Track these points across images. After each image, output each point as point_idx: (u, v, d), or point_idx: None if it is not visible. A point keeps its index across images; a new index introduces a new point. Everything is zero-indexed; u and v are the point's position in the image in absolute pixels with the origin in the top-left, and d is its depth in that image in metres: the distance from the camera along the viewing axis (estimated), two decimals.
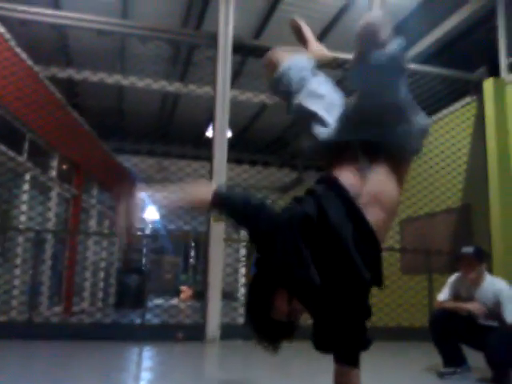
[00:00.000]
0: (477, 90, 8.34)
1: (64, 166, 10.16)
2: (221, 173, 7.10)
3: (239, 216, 2.21)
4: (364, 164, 2.18)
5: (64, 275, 10.25)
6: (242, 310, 8.42)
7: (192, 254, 24.92)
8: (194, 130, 13.30)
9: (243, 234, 11.32)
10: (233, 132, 9.21)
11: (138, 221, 2.18)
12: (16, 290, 7.66)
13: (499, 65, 8.21)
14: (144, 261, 16.23)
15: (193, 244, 24.37)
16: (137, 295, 11.86)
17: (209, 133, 8.13)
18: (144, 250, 15.52)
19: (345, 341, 2.11)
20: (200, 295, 9.16)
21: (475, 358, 4.43)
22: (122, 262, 14.28)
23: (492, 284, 4.37)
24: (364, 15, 2.05)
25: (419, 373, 4.72)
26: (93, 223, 12.13)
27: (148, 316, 7.27)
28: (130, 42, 9.64)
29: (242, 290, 14.24)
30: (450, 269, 4.84)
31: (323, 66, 2.72)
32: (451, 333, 4.43)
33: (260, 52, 7.98)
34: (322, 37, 9.99)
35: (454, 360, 4.45)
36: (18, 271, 7.80)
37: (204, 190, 2.19)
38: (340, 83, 2.60)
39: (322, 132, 2.27)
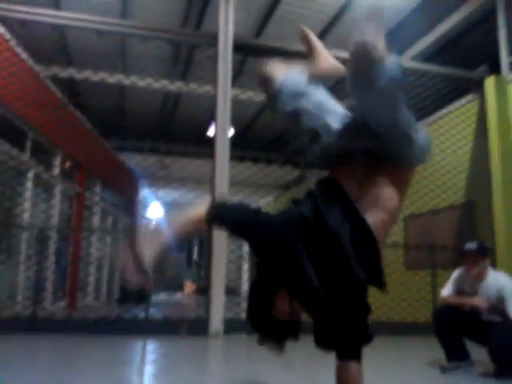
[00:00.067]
0: (478, 88, 8.35)
1: (67, 164, 10.19)
2: (223, 171, 7.11)
3: (236, 226, 2.22)
4: (364, 169, 2.18)
5: (68, 271, 10.31)
6: (244, 305, 8.43)
7: (195, 249, 24.95)
8: (196, 129, 13.32)
9: None
10: (235, 130, 9.22)
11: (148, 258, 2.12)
12: (20, 286, 7.70)
13: (500, 63, 8.21)
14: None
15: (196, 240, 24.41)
16: (140, 290, 11.87)
17: (211, 131, 8.13)
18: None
19: (346, 336, 2.12)
20: (203, 290, 9.17)
21: (478, 353, 4.43)
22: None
23: (495, 279, 4.37)
24: (355, 33, 2.02)
25: (422, 367, 4.72)
26: (96, 220, 12.16)
27: (152, 311, 7.28)
28: (130, 42, 9.66)
29: (245, 286, 14.25)
30: (454, 264, 4.84)
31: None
32: (454, 328, 4.43)
33: (261, 51, 8.01)
34: (321, 36, 10.00)
35: (457, 354, 4.45)
36: (22, 267, 7.84)
37: (198, 210, 2.18)
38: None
39: (324, 141, 2.25)
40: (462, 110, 8.60)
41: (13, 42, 7.53)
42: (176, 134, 14.49)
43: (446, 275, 4.89)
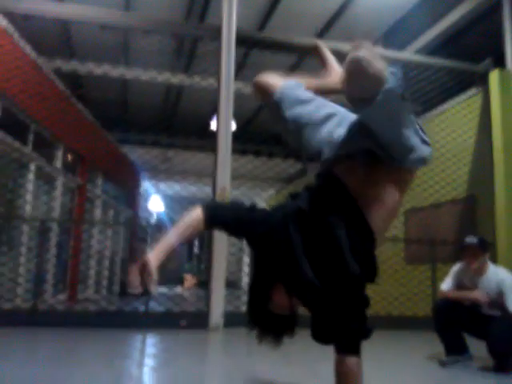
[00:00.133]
0: (482, 81, 8.30)
1: (69, 157, 10.20)
2: (225, 164, 7.10)
3: (233, 225, 2.22)
4: (364, 167, 2.17)
5: (69, 263, 10.33)
6: (245, 299, 8.44)
7: (196, 242, 24.96)
8: (198, 122, 13.33)
9: None
10: (237, 123, 9.21)
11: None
12: (21, 278, 7.73)
13: (505, 56, 8.17)
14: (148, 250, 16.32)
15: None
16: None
17: (213, 124, 8.12)
18: (148, 240, 15.58)
19: (344, 331, 2.12)
20: (204, 284, 9.19)
21: (477, 347, 4.42)
22: (127, 252, 14.34)
23: (495, 274, 4.36)
24: (351, 52, 2.00)
25: (421, 361, 4.72)
26: (98, 213, 12.20)
27: (152, 304, 7.30)
28: (133, 35, 9.66)
29: (246, 279, 14.28)
30: (454, 258, 4.83)
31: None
32: (454, 322, 4.43)
33: (264, 44, 7.99)
34: (325, 29, 9.98)
35: (456, 349, 4.44)
36: (22, 259, 7.87)
37: (193, 214, 2.20)
38: None
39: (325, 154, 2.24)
40: (465, 104, 8.55)
41: (16, 36, 7.53)
42: (178, 127, 14.50)
43: (446, 269, 4.88)
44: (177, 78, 10.10)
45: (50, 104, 8.32)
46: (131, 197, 15.03)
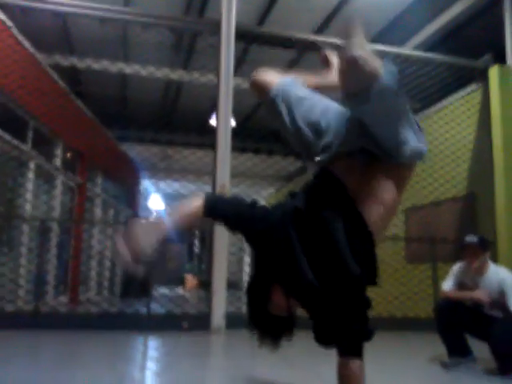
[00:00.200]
0: (482, 77, 8.26)
1: (68, 155, 10.15)
2: (225, 161, 7.07)
3: (232, 219, 2.21)
4: (362, 164, 2.16)
5: (70, 264, 10.27)
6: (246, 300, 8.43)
7: (196, 242, 24.91)
8: (198, 118, 13.27)
9: None
10: (237, 120, 9.18)
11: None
12: (22, 280, 7.69)
13: (505, 52, 8.14)
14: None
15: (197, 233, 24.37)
16: (142, 284, 11.89)
17: (212, 121, 8.09)
18: None
19: (346, 333, 2.11)
20: (205, 284, 9.16)
21: (480, 349, 4.42)
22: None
23: (496, 273, 4.36)
24: (345, 47, 1.98)
25: (424, 363, 4.72)
26: (98, 212, 12.15)
27: (153, 306, 7.28)
28: (132, 30, 9.58)
29: (247, 279, 14.28)
30: (455, 257, 4.83)
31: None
32: (456, 323, 4.42)
33: (263, 39, 7.95)
34: (325, 24, 9.92)
35: (458, 350, 4.44)
36: (23, 260, 7.83)
37: (194, 202, 2.19)
38: None
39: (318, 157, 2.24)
40: (465, 100, 8.53)
41: (14, 30, 7.47)
42: (178, 123, 14.44)
43: (446, 268, 4.88)
44: (176, 74, 10.05)
45: (48, 100, 8.27)
46: (131, 195, 14.98)
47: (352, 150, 2.16)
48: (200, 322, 6.68)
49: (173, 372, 4.22)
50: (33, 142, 8.47)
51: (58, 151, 9.61)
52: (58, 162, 9.60)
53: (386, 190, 2.13)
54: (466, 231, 6.58)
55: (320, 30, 10.05)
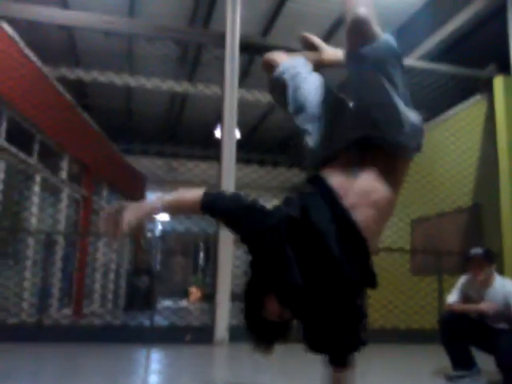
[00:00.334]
0: (487, 87, 8.25)
1: (74, 168, 10.18)
2: (229, 173, 7.09)
3: (230, 218, 2.21)
4: (354, 164, 2.15)
5: (74, 277, 10.27)
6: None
7: (201, 255, 24.83)
8: (203, 130, 13.31)
9: None
10: (241, 132, 9.21)
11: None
12: (26, 292, 7.69)
13: (509, 62, 8.13)
14: (154, 262, 16.32)
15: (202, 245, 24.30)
16: (146, 297, 11.91)
17: (217, 133, 8.13)
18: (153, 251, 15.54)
19: (338, 344, 2.11)
20: (209, 297, 9.14)
21: (485, 361, 4.38)
22: (133, 263, 14.31)
23: (502, 286, 4.33)
24: (349, 11, 2.01)
25: (428, 376, 4.68)
26: None
27: (157, 318, 7.27)
28: (137, 43, 9.66)
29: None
30: (461, 270, 4.81)
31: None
32: (461, 335, 4.39)
33: (268, 51, 7.97)
34: (329, 34, 9.95)
35: (463, 363, 4.41)
36: (28, 273, 7.84)
37: (194, 193, 2.21)
38: None
39: (309, 141, 2.25)
40: (470, 110, 8.52)
41: (22, 44, 7.53)
42: (183, 135, 14.48)
43: (452, 281, 4.85)
44: (181, 86, 10.10)
45: (55, 113, 8.30)
46: None
47: (344, 143, 2.15)
48: (203, 335, 6.67)
49: None
50: (39, 155, 8.50)
51: (64, 164, 9.64)
52: (63, 174, 9.63)
53: (380, 192, 2.09)
54: (471, 243, 6.56)
55: (325, 39, 10.06)
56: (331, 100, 2.27)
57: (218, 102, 7.61)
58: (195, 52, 10.55)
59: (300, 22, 9.54)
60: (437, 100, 8.61)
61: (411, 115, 2.08)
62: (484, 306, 4.29)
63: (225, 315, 6.69)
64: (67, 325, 7.48)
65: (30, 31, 7.52)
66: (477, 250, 4.46)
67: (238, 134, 7.65)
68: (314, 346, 2.17)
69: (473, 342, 4.41)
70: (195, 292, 20.25)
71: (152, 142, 14.00)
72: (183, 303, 17.04)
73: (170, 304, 9.17)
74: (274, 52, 2.55)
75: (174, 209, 2.27)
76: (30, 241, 7.94)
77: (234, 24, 7.47)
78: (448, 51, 9.18)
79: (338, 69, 2.67)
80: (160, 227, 18.84)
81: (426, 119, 9.11)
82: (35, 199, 8.32)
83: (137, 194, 14.49)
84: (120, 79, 9.49)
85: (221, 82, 7.51)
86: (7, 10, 6.89)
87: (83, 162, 10.41)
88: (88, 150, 10.15)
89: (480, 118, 8.28)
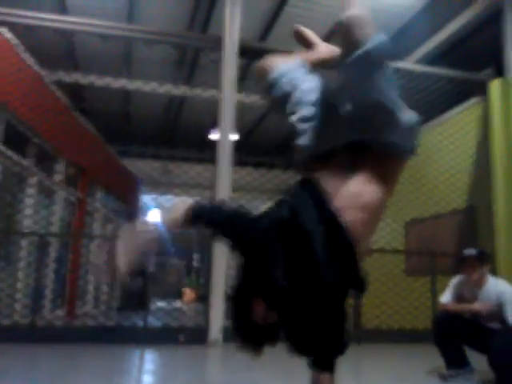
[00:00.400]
0: (483, 90, 8.28)
1: (70, 170, 10.19)
2: (225, 176, 7.10)
3: (219, 227, 2.20)
4: (345, 167, 2.14)
5: (67, 278, 10.26)
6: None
7: (195, 256, 24.78)
8: (200, 133, 13.32)
9: None
10: (238, 134, 9.21)
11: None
12: (19, 294, 7.70)
13: (505, 65, 8.16)
14: (147, 264, 16.26)
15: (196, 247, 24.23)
16: (140, 298, 11.88)
17: (214, 136, 8.15)
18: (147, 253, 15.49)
19: (320, 346, 2.10)
20: (203, 298, 9.13)
21: (478, 360, 4.39)
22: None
23: (495, 286, 4.35)
24: (342, 13, 2.02)
25: (422, 375, 4.69)
26: (97, 226, 12.14)
27: (150, 319, 7.27)
28: (135, 46, 9.70)
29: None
30: (455, 271, 4.82)
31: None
32: (454, 335, 4.41)
33: (266, 55, 7.99)
34: (327, 39, 9.98)
35: (456, 362, 4.42)
36: (21, 274, 7.85)
37: (181, 207, 2.18)
38: None
39: (302, 140, 2.24)
40: (466, 114, 8.54)
41: (20, 48, 7.55)
42: (180, 138, 14.50)
43: (446, 281, 4.86)
44: (179, 90, 10.12)
45: (51, 116, 8.32)
46: (131, 210, 14.98)
47: (339, 144, 2.14)
48: (197, 336, 6.68)
49: None
50: (35, 158, 8.51)
51: (60, 167, 9.64)
52: (59, 177, 9.64)
53: (369, 194, 2.08)
54: (465, 244, 6.56)
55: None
56: (326, 101, 2.27)
57: (216, 105, 7.62)
58: (193, 55, 10.58)
59: None
60: (433, 103, 8.65)
61: (406, 115, 2.07)
62: (477, 306, 4.31)
63: (219, 316, 6.69)
64: (60, 326, 7.49)
65: (29, 36, 7.55)
66: (470, 251, 4.49)
67: (235, 137, 7.68)
68: (299, 348, 2.16)
69: (466, 341, 4.43)
70: (189, 293, 20.21)
71: (149, 144, 14.02)
72: (177, 304, 17.01)
73: (164, 305, 9.13)
74: (267, 58, 2.51)
75: (169, 229, 2.24)
76: (23, 242, 7.94)
77: (232, 28, 7.51)
78: (445, 55, 9.22)
79: (333, 68, 2.66)
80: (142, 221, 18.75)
81: (423, 122, 9.13)
82: (29, 201, 8.32)
83: (130, 196, 14.55)
84: (118, 83, 9.50)
85: (218, 86, 7.54)
86: (6, 14, 6.93)
87: (79, 165, 10.42)
88: (84, 154, 10.17)
89: (476, 121, 8.31)
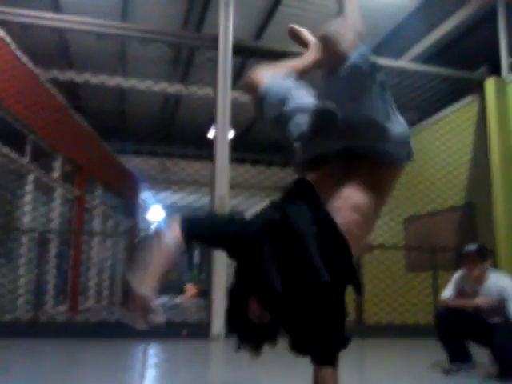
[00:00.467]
0: (478, 89, 8.32)
1: (67, 167, 10.18)
2: (223, 173, 7.11)
3: (211, 239, 2.17)
4: (338, 174, 2.16)
5: (69, 274, 10.29)
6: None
7: (196, 252, 24.75)
8: (196, 131, 13.32)
9: None
10: (235, 132, 9.21)
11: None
12: (21, 290, 7.69)
13: (500, 64, 8.21)
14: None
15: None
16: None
17: (211, 134, 8.15)
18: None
19: (322, 343, 2.08)
20: (205, 293, 9.12)
21: (481, 355, 4.42)
22: (128, 261, 14.27)
23: (496, 281, 4.36)
24: (323, 26, 2.02)
25: (425, 370, 4.70)
26: (97, 223, 12.15)
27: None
28: (130, 45, 9.67)
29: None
30: (455, 266, 4.84)
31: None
32: (456, 330, 4.42)
33: (261, 53, 8.02)
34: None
35: (459, 357, 4.44)
36: (22, 271, 7.84)
37: (171, 234, 2.08)
38: None
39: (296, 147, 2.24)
40: (461, 112, 8.58)
41: (13, 46, 7.51)
42: (176, 136, 14.49)
43: (447, 276, 4.88)
44: (174, 88, 10.12)
45: (47, 114, 8.29)
46: (130, 206, 14.99)
47: (329, 152, 2.17)
48: (199, 331, 6.69)
49: (172, 380, 4.20)
50: (31, 156, 8.48)
51: (57, 164, 9.63)
52: (56, 174, 9.63)
53: (364, 198, 2.10)
54: (465, 240, 6.59)
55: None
56: (318, 109, 2.27)
57: (211, 103, 7.62)
58: (188, 54, 10.57)
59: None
60: (429, 101, 8.68)
61: (396, 127, 2.09)
62: (479, 301, 4.32)
63: (221, 311, 6.68)
64: (63, 321, 7.47)
65: (23, 34, 7.50)
66: (470, 247, 4.50)
67: (232, 134, 7.67)
68: (298, 346, 2.16)
69: (468, 336, 4.45)
70: (191, 288, 20.19)
71: (145, 141, 13.99)
72: (179, 300, 16.98)
73: (166, 300, 9.08)
74: (254, 71, 2.45)
75: (169, 262, 2.15)
76: (24, 239, 7.92)
77: (227, 27, 7.51)
78: (440, 54, 9.26)
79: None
80: (154, 226, 18.79)
81: (419, 120, 9.18)
82: (28, 198, 8.30)
83: (129, 193, 14.54)
84: (113, 81, 9.48)
85: (214, 84, 7.53)
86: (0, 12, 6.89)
87: (76, 162, 10.40)
88: (81, 151, 10.16)
89: (472, 118, 8.35)
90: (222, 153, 7.18)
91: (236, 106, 7.81)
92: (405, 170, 2.25)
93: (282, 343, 2.14)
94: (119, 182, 13.41)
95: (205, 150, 9.55)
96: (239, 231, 2.09)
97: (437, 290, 7.16)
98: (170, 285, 19.79)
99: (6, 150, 7.63)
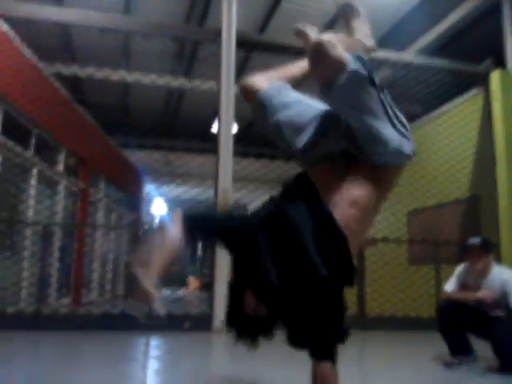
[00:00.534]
0: (483, 81, 8.28)
1: (71, 161, 10.22)
2: (227, 166, 7.11)
3: (212, 232, 2.20)
4: (338, 172, 2.17)
5: (72, 267, 10.35)
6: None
7: (199, 245, 24.80)
8: (200, 125, 13.32)
9: None
10: (239, 126, 9.20)
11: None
12: (25, 282, 7.74)
13: (505, 56, 8.17)
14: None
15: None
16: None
17: (214, 127, 8.13)
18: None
19: (319, 336, 2.09)
20: (207, 286, 9.14)
21: (482, 348, 4.41)
22: (131, 254, 14.33)
23: (499, 274, 4.35)
24: (314, 36, 2.02)
25: (426, 362, 4.70)
26: (100, 216, 12.21)
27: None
28: (134, 39, 9.66)
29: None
30: (458, 259, 4.83)
31: None
32: (458, 323, 4.41)
33: (264, 47, 8.00)
34: (325, 32, 9.97)
35: (460, 350, 4.43)
36: (26, 263, 7.89)
37: (172, 233, 2.11)
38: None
39: (298, 144, 2.25)
40: (466, 105, 8.55)
41: (17, 40, 7.52)
42: (180, 130, 14.49)
43: (450, 270, 4.87)
44: (177, 82, 10.10)
45: (51, 108, 8.31)
46: (134, 200, 15.04)
47: (331, 151, 2.18)
48: (202, 323, 6.71)
49: (174, 371, 4.22)
50: (36, 149, 8.51)
51: (61, 157, 9.68)
52: (60, 167, 9.67)
53: (363, 194, 2.11)
54: (469, 233, 6.57)
55: None
56: (321, 114, 2.27)
57: (215, 96, 7.61)
58: (192, 48, 10.54)
59: (295, 20, 9.53)
60: (433, 94, 8.65)
61: (393, 135, 2.09)
62: (481, 295, 4.31)
63: (223, 303, 6.69)
64: (66, 313, 7.50)
65: (26, 28, 7.51)
66: (474, 240, 4.48)
67: (235, 128, 7.67)
68: (296, 340, 2.17)
69: (470, 329, 4.44)
70: (193, 281, 20.25)
71: (149, 135, 13.99)
72: (181, 292, 17.04)
73: (169, 293, 9.11)
74: (252, 78, 2.50)
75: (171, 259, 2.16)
76: (28, 232, 7.96)
77: (230, 20, 7.49)
78: (445, 46, 9.22)
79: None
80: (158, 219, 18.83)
81: (423, 113, 9.15)
82: (32, 192, 8.35)
83: (133, 187, 14.59)
84: (116, 75, 9.47)
85: (217, 78, 7.52)
86: (3, 7, 6.88)
87: (80, 156, 10.44)
88: (84, 144, 10.19)
89: (477, 111, 8.32)
90: (226, 146, 7.18)
91: (239, 100, 7.78)
92: (408, 164, 2.25)
93: (282, 336, 2.15)
94: (123, 175, 13.45)
95: (208, 143, 9.55)
96: (238, 226, 2.12)
97: (439, 283, 7.16)
98: (172, 278, 19.97)
99: (10, 143, 7.65)
